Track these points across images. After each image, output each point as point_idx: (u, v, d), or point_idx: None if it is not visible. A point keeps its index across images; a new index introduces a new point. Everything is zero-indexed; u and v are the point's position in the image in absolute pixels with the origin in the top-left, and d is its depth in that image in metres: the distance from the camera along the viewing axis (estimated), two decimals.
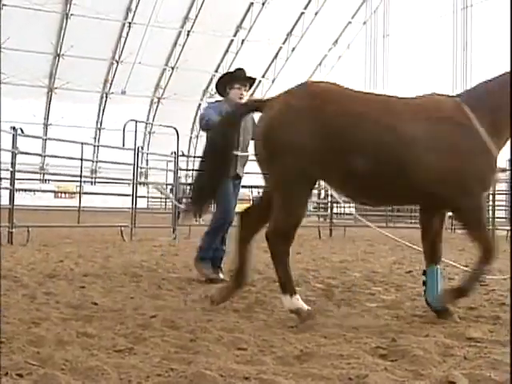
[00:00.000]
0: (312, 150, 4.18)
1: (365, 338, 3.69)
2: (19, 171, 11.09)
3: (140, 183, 16.30)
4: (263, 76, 44.08)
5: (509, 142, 4.58)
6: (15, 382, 2.71)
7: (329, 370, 2.99)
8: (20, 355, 3.15)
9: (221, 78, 6.75)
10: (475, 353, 3.36)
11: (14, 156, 10.31)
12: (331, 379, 2.87)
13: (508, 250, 10.23)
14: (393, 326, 4.11)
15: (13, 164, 10.34)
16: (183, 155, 17.12)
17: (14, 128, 10.38)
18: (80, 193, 13.87)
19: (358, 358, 3.23)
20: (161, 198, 27.72)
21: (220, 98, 6.78)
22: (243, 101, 6.36)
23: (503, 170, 16.20)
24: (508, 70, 4.59)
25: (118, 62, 39.60)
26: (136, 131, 13.29)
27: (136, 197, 12.89)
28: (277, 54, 42.83)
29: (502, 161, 21.20)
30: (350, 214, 20.10)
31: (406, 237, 15.37)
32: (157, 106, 43.10)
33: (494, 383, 2.82)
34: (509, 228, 13.35)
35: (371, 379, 2.81)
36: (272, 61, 43.24)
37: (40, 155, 33.92)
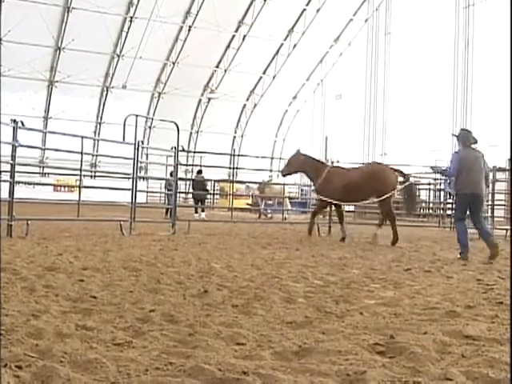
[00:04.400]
0: None
1: (363, 335, 3.70)
2: (19, 164, 11.08)
3: (140, 178, 16.29)
4: (264, 72, 44.07)
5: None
6: (14, 374, 2.72)
7: (327, 366, 3.00)
8: (19, 347, 3.16)
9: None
10: (473, 351, 3.37)
11: (14, 149, 10.30)
12: (329, 375, 2.87)
13: (506, 249, 10.27)
14: (391, 323, 4.12)
15: (13, 157, 10.33)
16: (183, 150, 17.11)
17: (14, 121, 10.35)
18: (80, 186, 13.85)
19: (356, 354, 3.24)
20: (160, 193, 27.56)
21: None
22: None
23: (502, 170, 16.17)
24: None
25: (119, 57, 39.57)
26: (136, 126, 13.24)
27: (136, 191, 12.89)
28: (278, 50, 42.79)
29: (501, 160, 21.23)
30: None
31: (406, 235, 15.42)
32: (157, 101, 43.08)
33: (492, 381, 2.84)
34: (508, 227, 13.35)
35: (369, 375, 2.82)
36: (273, 57, 43.21)
37: (40, 148, 33.91)
